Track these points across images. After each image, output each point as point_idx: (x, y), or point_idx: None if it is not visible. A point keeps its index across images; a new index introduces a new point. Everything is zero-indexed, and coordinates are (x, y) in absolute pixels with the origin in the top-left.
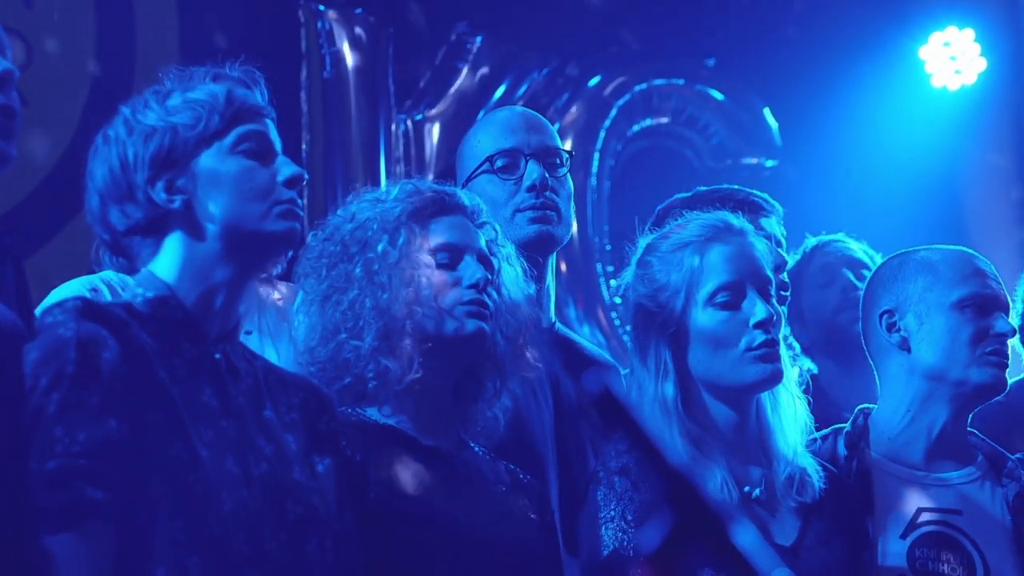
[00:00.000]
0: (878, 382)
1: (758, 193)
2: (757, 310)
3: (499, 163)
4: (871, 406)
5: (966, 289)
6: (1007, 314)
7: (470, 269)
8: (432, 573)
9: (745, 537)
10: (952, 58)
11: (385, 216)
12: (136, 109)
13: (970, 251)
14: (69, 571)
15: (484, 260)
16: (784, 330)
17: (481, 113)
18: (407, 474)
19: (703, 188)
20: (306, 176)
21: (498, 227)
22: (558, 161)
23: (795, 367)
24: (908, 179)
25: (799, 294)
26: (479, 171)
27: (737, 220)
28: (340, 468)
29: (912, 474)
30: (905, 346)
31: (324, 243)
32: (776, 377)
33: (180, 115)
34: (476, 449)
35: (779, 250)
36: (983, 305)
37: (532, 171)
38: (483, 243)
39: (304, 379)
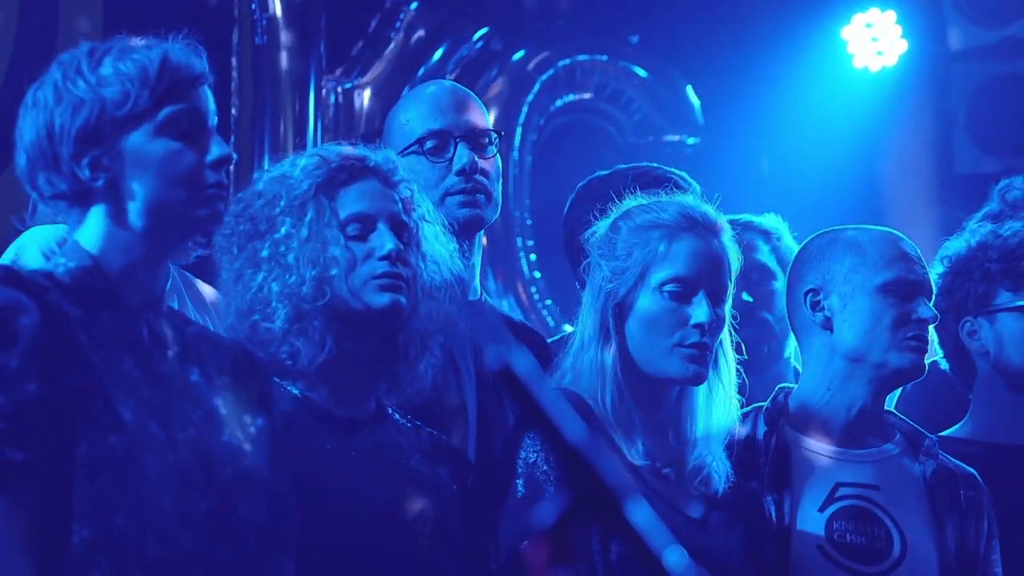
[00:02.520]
0: (801, 358)
1: (675, 171)
2: (700, 311)
3: (428, 145)
4: (791, 385)
5: (891, 273)
6: (930, 299)
7: (382, 239)
8: (343, 548)
9: (640, 515)
10: (874, 39)
11: (291, 192)
12: (67, 74)
13: (898, 233)
14: None
15: (398, 225)
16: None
17: (406, 89)
18: (321, 448)
19: (623, 166)
20: (234, 156)
21: (415, 186)
22: (487, 141)
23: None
24: (829, 158)
25: None
26: (408, 151)
27: (716, 215)
28: (274, 428)
29: (830, 450)
30: (828, 326)
31: (236, 219)
32: (697, 379)
33: (110, 88)
34: (396, 417)
35: None
36: (907, 290)
37: (462, 155)
38: (398, 204)
39: (237, 343)
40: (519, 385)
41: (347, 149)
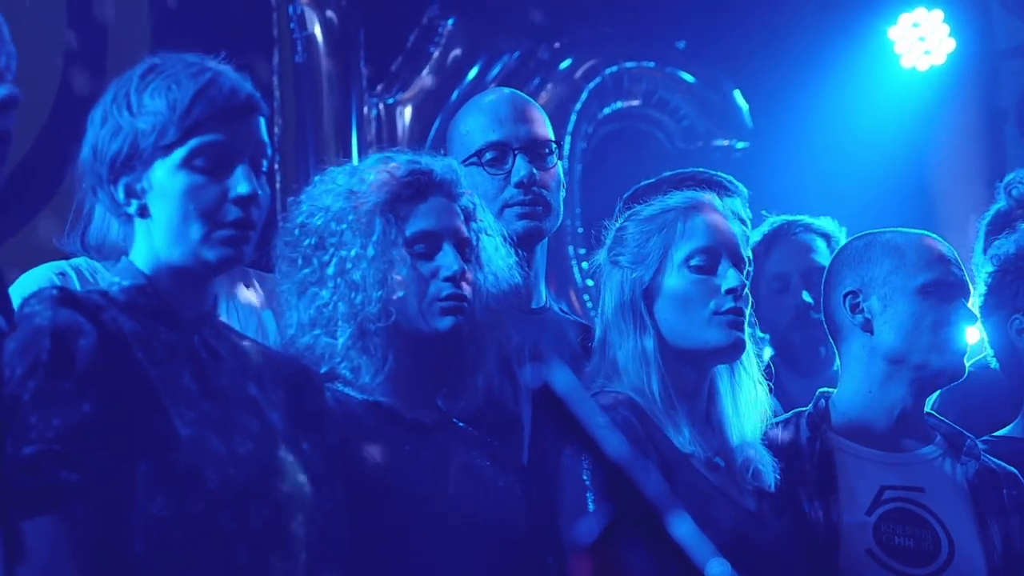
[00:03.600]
0: (838, 361)
1: (722, 175)
2: (730, 277)
3: (487, 157)
4: (831, 389)
5: (930, 275)
6: (968, 300)
7: (447, 259)
8: (419, 546)
9: (682, 529)
10: (921, 39)
11: (359, 208)
12: (116, 96)
13: (935, 236)
14: (47, 552)
15: (462, 242)
16: (749, 310)
17: (452, 99)
18: (393, 447)
19: (668, 173)
20: (260, 193)
21: (477, 198)
22: (547, 151)
23: (759, 352)
24: (878, 159)
25: (753, 288)
26: (467, 163)
27: (720, 203)
28: (327, 445)
29: (874, 453)
30: (868, 328)
31: (299, 230)
32: (738, 346)
33: (144, 118)
34: (458, 424)
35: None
36: (946, 292)
37: (520, 167)
38: (460, 218)
39: (292, 357)
40: (558, 403)
41: (413, 161)
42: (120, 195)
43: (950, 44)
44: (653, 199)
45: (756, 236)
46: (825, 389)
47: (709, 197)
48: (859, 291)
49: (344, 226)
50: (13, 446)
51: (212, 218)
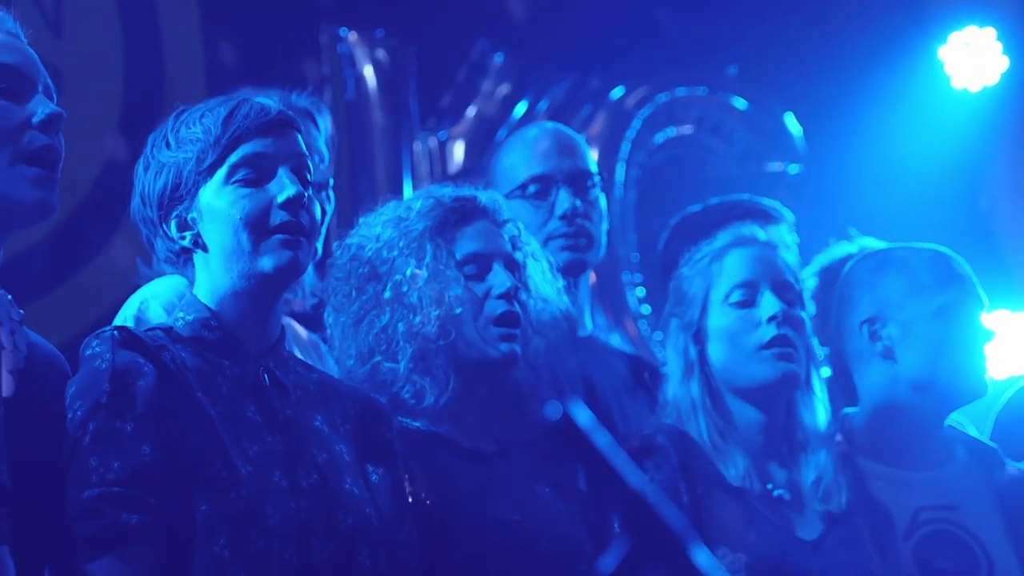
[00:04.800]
0: (857, 386)
1: (766, 201)
2: (769, 305)
3: (531, 189)
4: (854, 410)
5: (947, 296)
6: (983, 315)
7: (499, 278)
8: (489, 574)
9: (701, 559)
10: (973, 58)
11: (409, 234)
12: (155, 142)
13: (946, 251)
14: None
15: (511, 264)
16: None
17: (503, 132)
18: (457, 477)
19: (715, 200)
20: (306, 195)
21: (521, 224)
22: (590, 184)
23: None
24: (932, 183)
25: (827, 305)
26: (511, 195)
27: (764, 234)
28: (397, 477)
29: (904, 475)
30: (890, 355)
31: (351, 263)
32: (790, 379)
33: (184, 150)
34: (516, 452)
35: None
36: (964, 310)
37: (563, 200)
38: (508, 244)
39: (360, 390)
40: (578, 435)
41: (457, 189)
42: (173, 231)
43: (1003, 63)
44: (700, 229)
45: (840, 252)
46: (849, 410)
47: (750, 232)
48: (876, 318)
49: (395, 252)
50: (75, 489)
51: (262, 226)
